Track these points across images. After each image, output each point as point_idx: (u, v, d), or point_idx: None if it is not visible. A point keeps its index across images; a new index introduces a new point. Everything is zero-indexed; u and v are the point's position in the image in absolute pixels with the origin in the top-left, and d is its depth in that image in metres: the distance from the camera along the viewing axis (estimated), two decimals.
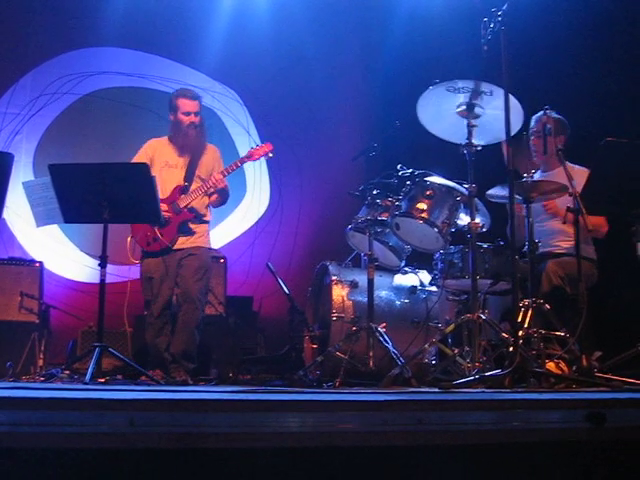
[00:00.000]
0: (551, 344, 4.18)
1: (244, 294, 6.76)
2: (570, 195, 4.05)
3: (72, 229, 6.60)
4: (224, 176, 4.97)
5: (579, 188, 3.99)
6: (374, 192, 4.71)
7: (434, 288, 4.87)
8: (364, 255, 4.97)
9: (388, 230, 4.63)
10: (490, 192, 4.46)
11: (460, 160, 4.21)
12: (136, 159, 5.03)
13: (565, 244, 4.66)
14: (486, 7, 3.84)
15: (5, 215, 5.18)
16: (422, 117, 4.29)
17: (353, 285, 4.82)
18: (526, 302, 4.09)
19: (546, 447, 2.27)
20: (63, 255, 6.73)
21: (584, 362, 3.87)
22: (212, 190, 4.99)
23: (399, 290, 4.95)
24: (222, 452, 1.98)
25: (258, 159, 5.21)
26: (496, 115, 4.06)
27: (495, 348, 4.20)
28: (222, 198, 5.13)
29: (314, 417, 2.13)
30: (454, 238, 4.45)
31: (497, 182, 4.34)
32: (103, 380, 4.34)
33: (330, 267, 4.94)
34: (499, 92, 3.94)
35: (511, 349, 3.56)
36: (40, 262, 5.86)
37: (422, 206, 4.35)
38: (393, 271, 5.02)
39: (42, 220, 4.86)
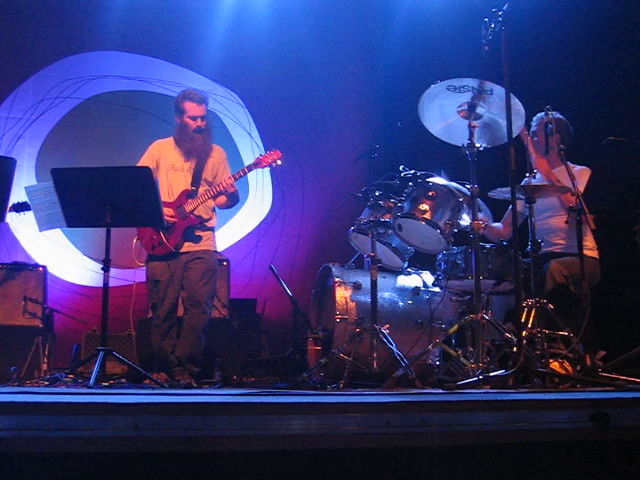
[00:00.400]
0: (555, 344, 4.18)
1: (247, 296, 6.76)
2: (572, 194, 4.06)
3: (75, 233, 6.62)
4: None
5: (580, 188, 3.99)
6: (376, 193, 4.71)
7: (437, 289, 4.87)
8: (367, 256, 4.97)
9: (391, 231, 4.63)
10: (492, 192, 4.46)
11: (462, 161, 4.21)
12: (142, 162, 5.01)
13: (566, 242, 4.66)
14: (486, 7, 3.85)
15: (8, 219, 5.19)
16: (423, 118, 4.29)
17: (356, 286, 4.82)
18: (529, 302, 4.08)
19: (551, 447, 2.27)
20: (66, 259, 6.74)
21: (588, 362, 3.87)
22: (219, 193, 4.98)
23: (402, 291, 4.95)
24: (226, 455, 1.98)
25: (267, 166, 5.08)
26: (498, 117, 4.06)
27: (499, 348, 4.20)
28: (231, 202, 5.13)
29: (318, 419, 2.13)
30: (457, 239, 4.45)
31: (499, 183, 4.33)
32: (107, 384, 4.33)
33: (333, 269, 4.94)
34: (501, 93, 3.93)
35: (515, 349, 3.56)
36: (44, 266, 5.86)
37: (424, 207, 4.35)
38: (396, 272, 5.02)
39: (45, 225, 4.86)
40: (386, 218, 4.60)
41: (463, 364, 4.23)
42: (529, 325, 4.01)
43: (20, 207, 4.97)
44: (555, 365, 4.01)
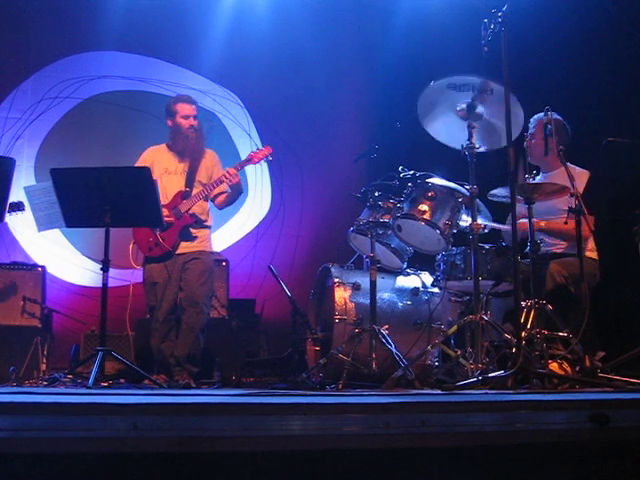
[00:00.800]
0: (554, 345, 4.17)
1: (246, 297, 6.76)
2: (571, 196, 4.05)
3: (74, 233, 6.61)
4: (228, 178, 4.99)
5: (579, 189, 3.99)
6: (376, 194, 4.70)
7: (436, 289, 4.86)
8: (366, 257, 4.97)
9: (390, 232, 4.63)
10: (492, 192, 4.46)
11: (462, 161, 4.21)
12: None
13: (566, 243, 4.65)
14: (486, 7, 3.84)
15: (7, 219, 5.19)
16: (422, 118, 4.28)
17: (355, 287, 4.82)
18: (529, 302, 4.08)
19: (550, 448, 2.26)
20: (65, 259, 6.74)
21: (587, 362, 3.86)
22: (213, 194, 5.03)
23: (401, 292, 4.95)
24: (226, 455, 1.98)
25: (258, 162, 5.24)
26: (496, 120, 4.07)
27: (498, 349, 4.19)
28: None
29: (317, 420, 2.13)
30: (456, 239, 4.44)
31: (499, 183, 4.33)
32: (106, 384, 4.34)
33: (332, 269, 4.94)
34: (500, 96, 3.92)
35: (514, 350, 3.56)
36: (42, 266, 5.85)
37: (424, 208, 4.34)
38: (395, 273, 5.02)
39: (44, 225, 4.87)
40: (385, 219, 4.60)
41: (462, 365, 4.22)
42: (528, 326, 4.00)
43: (12, 207, 4.90)
44: (554, 366, 4.00)
